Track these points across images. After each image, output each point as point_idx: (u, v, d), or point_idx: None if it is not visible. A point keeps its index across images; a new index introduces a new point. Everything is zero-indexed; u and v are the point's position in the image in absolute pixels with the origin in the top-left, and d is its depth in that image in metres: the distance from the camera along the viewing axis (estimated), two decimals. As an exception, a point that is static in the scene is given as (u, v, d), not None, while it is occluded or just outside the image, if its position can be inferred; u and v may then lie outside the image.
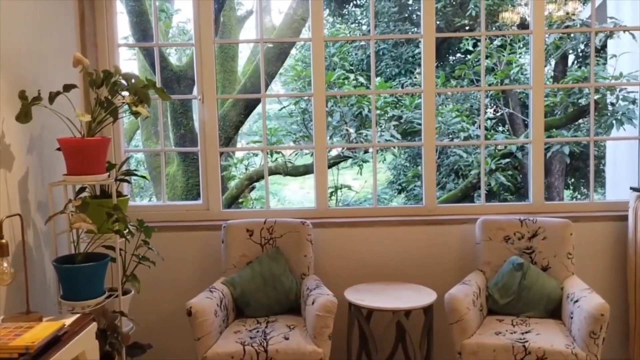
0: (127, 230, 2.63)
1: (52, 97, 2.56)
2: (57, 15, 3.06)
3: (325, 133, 3.51)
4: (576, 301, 2.79)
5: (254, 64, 6.38)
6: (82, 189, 2.83)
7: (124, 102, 2.58)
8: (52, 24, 2.98)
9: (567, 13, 5.89)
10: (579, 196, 8.32)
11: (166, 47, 7.26)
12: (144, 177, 3.44)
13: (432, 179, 3.49)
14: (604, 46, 6.05)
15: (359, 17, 8.97)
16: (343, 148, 6.55)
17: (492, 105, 7.33)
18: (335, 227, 3.41)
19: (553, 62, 7.01)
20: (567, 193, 8.09)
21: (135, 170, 3.14)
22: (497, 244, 3.18)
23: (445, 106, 6.95)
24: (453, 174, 7.18)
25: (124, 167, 3.21)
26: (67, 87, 2.62)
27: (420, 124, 6.47)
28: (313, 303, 2.80)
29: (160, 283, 3.33)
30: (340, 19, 9.03)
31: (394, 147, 7.37)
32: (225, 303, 2.98)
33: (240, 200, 6.77)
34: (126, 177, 2.95)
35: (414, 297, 3.03)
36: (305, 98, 6.44)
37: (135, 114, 2.64)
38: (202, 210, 3.50)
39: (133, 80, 2.71)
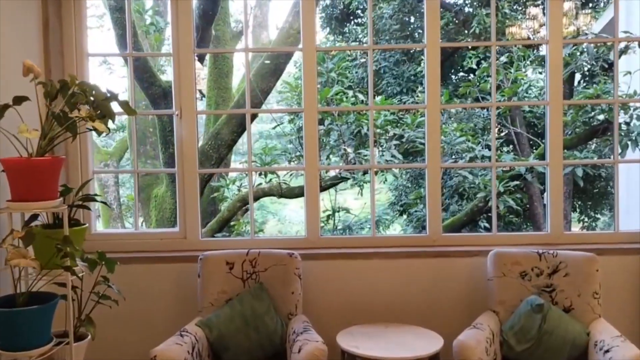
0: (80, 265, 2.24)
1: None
2: (16, 19, 2.72)
3: (318, 153, 3.16)
4: (607, 351, 2.40)
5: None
6: (34, 217, 2.45)
7: (77, 117, 2.21)
8: (8, 29, 2.64)
9: (578, 28, 5.57)
10: (586, 219, 7.96)
11: (154, 63, 6.94)
12: (104, 202, 3.07)
13: (437, 204, 3.11)
14: (611, 64, 5.73)
15: (359, 36, 8.74)
16: (339, 170, 6.14)
17: (498, 124, 6.98)
18: (328, 259, 3.04)
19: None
20: (573, 216, 7.73)
21: (96, 195, 2.76)
22: (512, 281, 2.79)
23: (448, 125, 6.62)
24: (457, 196, 6.82)
25: (89, 191, 2.85)
26: (18, 100, 2.27)
27: (422, 144, 6.15)
28: (299, 351, 2.42)
29: (127, 324, 2.95)
30: (340, 37, 8.80)
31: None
32: (198, 349, 2.58)
33: (232, 223, 6.38)
34: (85, 203, 2.57)
35: (417, 343, 2.63)
36: (302, 116, 6.09)
37: (95, 130, 2.29)
38: (178, 239, 3.13)
39: (94, 92, 2.36)
